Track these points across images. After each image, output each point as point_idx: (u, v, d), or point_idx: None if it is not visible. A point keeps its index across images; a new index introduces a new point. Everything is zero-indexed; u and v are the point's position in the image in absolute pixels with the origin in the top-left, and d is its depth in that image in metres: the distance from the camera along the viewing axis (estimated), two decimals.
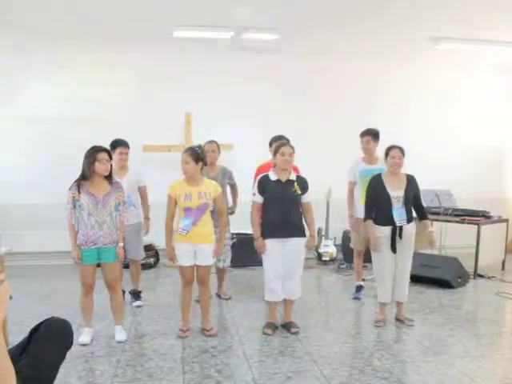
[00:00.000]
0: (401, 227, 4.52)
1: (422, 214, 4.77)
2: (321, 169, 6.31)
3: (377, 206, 4.65)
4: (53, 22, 5.79)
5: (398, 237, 4.52)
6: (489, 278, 6.51)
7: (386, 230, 4.55)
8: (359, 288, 5.63)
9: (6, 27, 5.79)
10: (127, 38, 6.45)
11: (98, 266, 4.24)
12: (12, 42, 6.37)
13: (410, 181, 4.63)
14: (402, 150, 4.57)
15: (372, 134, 5.37)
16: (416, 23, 6.04)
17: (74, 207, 4.08)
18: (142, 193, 5.31)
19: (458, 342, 4.29)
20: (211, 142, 5.31)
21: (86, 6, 5.33)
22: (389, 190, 4.55)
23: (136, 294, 5.37)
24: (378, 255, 4.64)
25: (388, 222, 4.53)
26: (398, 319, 4.78)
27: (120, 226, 4.24)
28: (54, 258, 7.11)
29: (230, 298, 5.56)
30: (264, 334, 4.45)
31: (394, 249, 4.55)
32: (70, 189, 4.10)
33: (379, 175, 4.67)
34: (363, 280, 5.71)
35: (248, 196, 4.80)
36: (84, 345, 4.09)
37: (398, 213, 4.52)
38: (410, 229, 4.61)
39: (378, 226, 4.61)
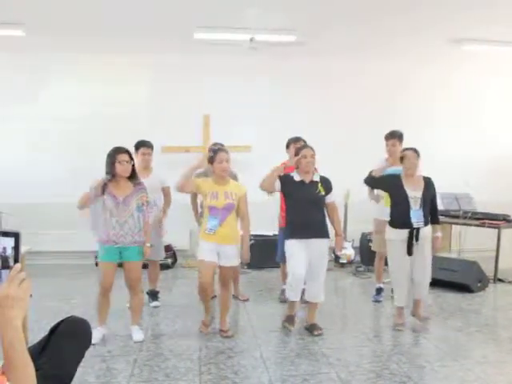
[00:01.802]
0: (417, 230, 4.48)
1: (435, 217, 4.71)
2: (339, 171, 6.22)
3: (394, 208, 4.62)
4: (72, 22, 5.85)
5: (414, 239, 4.48)
6: (509, 282, 6.40)
7: (402, 233, 4.50)
8: (379, 290, 5.59)
9: (26, 26, 5.85)
10: (146, 39, 6.49)
11: (120, 266, 4.27)
12: (32, 41, 6.44)
13: (428, 183, 4.61)
14: (416, 151, 4.56)
15: (398, 137, 5.36)
16: (441, 25, 6.00)
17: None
18: (166, 193, 5.33)
19: (477, 347, 4.25)
20: (214, 144, 5.31)
21: (107, 5, 5.38)
22: (406, 189, 4.52)
23: (154, 295, 5.40)
24: (394, 259, 4.60)
25: (405, 225, 4.48)
26: (413, 315, 4.73)
27: (145, 226, 4.27)
28: (73, 257, 7.19)
29: (247, 300, 5.56)
30: (284, 327, 4.47)
31: (410, 251, 4.50)
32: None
33: (398, 176, 4.64)
34: (383, 283, 5.68)
35: (264, 196, 4.81)
36: (94, 344, 4.08)
37: (416, 215, 4.48)
38: (427, 232, 4.57)
39: (393, 229, 4.58)
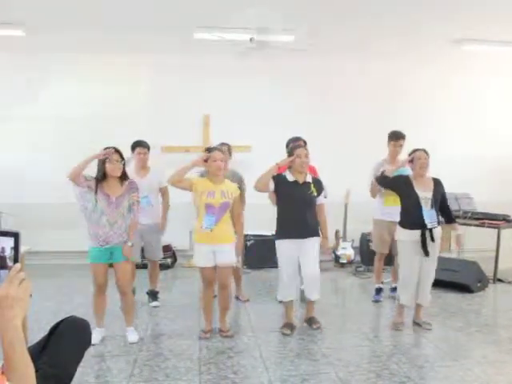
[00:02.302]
0: (430, 230, 4.47)
1: (450, 217, 4.73)
2: (339, 171, 6.28)
3: (405, 209, 4.62)
4: (72, 22, 5.84)
5: (429, 240, 4.47)
6: (509, 282, 6.40)
7: (414, 234, 4.49)
8: (379, 291, 5.60)
9: (26, 26, 5.85)
10: (146, 39, 6.48)
11: (110, 266, 4.26)
12: (32, 41, 6.44)
13: (437, 184, 4.61)
14: (426, 152, 4.58)
15: (403, 138, 5.36)
16: (441, 25, 5.99)
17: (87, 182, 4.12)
18: (163, 193, 5.33)
19: (477, 347, 4.25)
20: (223, 144, 5.32)
21: (107, 5, 5.37)
22: (417, 190, 4.52)
23: (153, 295, 5.40)
24: (405, 260, 4.59)
25: (416, 226, 4.47)
26: (415, 323, 4.74)
27: (131, 225, 4.24)
28: (73, 257, 7.18)
29: (248, 300, 5.56)
30: (283, 334, 4.46)
31: (426, 252, 4.47)
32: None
33: (408, 176, 4.64)
34: (382, 283, 5.68)
35: (263, 198, 4.83)
36: (93, 345, 4.09)
37: (429, 215, 4.47)
38: (438, 233, 4.57)
39: (405, 230, 4.57)
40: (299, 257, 4.45)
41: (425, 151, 4.58)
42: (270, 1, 5.33)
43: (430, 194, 4.51)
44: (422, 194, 4.50)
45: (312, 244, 4.46)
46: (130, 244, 4.22)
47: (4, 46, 6.78)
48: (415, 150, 4.61)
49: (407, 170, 4.73)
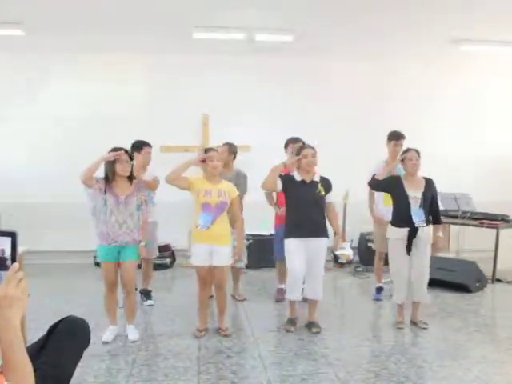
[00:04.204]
0: (417, 228, 4.49)
1: (437, 217, 4.73)
2: (338, 171, 6.23)
3: (395, 207, 4.66)
4: (72, 22, 5.84)
5: (414, 238, 4.49)
6: (507, 282, 6.41)
7: (402, 232, 4.52)
8: (379, 290, 5.61)
9: (26, 26, 5.85)
10: (146, 39, 6.49)
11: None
12: (32, 41, 6.44)
13: (429, 184, 4.63)
14: (418, 152, 4.59)
15: (405, 138, 5.37)
16: (441, 25, 6.00)
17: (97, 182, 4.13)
18: (154, 179, 5.27)
19: (476, 347, 4.25)
20: (224, 144, 5.34)
21: (106, 5, 5.38)
22: (407, 190, 4.54)
23: (147, 294, 5.41)
24: (394, 258, 4.62)
25: (405, 224, 4.51)
26: (412, 322, 4.75)
27: (142, 224, 4.29)
28: (72, 257, 7.19)
29: (244, 300, 5.56)
30: (286, 331, 4.48)
31: (409, 249, 4.51)
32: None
33: (399, 176, 4.66)
34: (382, 282, 5.68)
35: (262, 198, 4.82)
36: (106, 343, 4.14)
37: (417, 214, 4.50)
38: (428, 231, 4.58)
39: (394, 228, 4.61)
40: (306, 256, 4.45)
41: (416, 151, 4.59)
42: (269, 1, 5.34)
43: (419, 194, 4.53)
44: (411, 194, 4.53)
45: (319, 244, 4.47)
46: (143, 244, 4.28)
47: (4, 46, 6.79)
48: (407, 150, 4.64)
49: (401, 170, 4.76)
